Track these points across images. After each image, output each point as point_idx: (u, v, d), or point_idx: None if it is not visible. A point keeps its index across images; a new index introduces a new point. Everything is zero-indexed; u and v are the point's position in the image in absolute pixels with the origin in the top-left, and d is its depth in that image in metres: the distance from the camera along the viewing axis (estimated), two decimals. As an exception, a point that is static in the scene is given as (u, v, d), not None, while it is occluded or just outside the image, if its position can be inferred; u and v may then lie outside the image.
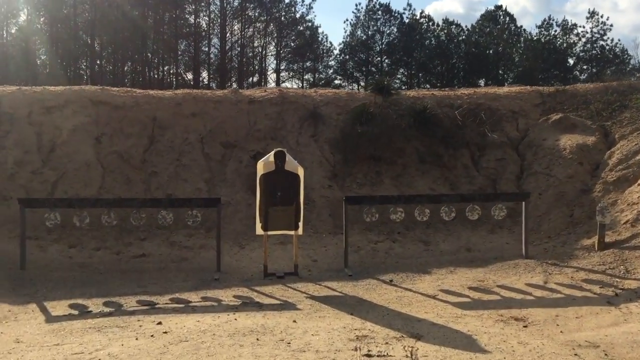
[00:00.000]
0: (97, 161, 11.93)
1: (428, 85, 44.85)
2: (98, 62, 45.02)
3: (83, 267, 9.56)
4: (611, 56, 48.55)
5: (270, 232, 9.00)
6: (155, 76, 46.24)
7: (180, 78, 47.20)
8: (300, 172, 8.92)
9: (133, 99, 13.25)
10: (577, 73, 49.20)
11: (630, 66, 46.54)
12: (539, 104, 14.27)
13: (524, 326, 6.40)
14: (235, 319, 6.59)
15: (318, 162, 12.59)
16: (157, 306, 7.34)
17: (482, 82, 47.50)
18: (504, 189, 12.11)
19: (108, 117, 12.73)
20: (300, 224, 8.98)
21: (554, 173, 11.90)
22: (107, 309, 7.20)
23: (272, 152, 8.86)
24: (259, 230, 8.93)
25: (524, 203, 9.51)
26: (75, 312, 7.09)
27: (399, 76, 50.44)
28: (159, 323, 6.45)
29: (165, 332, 6.07)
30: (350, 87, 47.91)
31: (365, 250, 10.40)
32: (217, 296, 7.83)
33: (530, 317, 6.74)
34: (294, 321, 6.49)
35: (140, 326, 6.35)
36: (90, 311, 7.13)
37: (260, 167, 8.83)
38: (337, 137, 13.16)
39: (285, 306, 7.29)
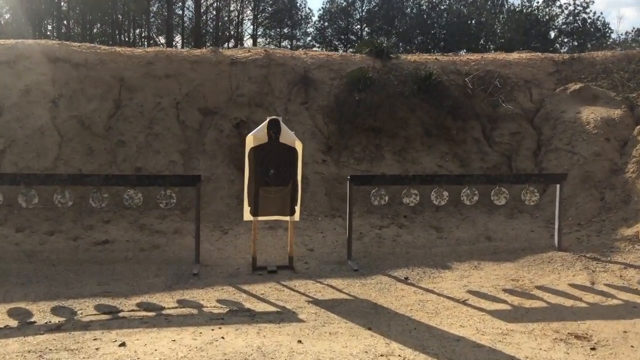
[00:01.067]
0: (53, 127, 10.16)
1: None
2: (65, 22, 42.30)
3: (32, 256, 7.91)
4: (592, 29, 47.43)
5: (261, 218, 7.45)
6: (126, 39, 43.71)
7: (152, 42, 44.75)
8: (299, 146, 7.36)
9: (97, 57, 11.42)
10: (558, 46, 48.05)
11: (610, 40, 45.53)
12: (553, 72, 12.81)
13: (592, 348, 5.02)
14: (223, 338, 5.08)
15: (310, 133, 11.01)
16: (120, 314, 5.79)
17: (463, 52, 46.01)
18: (522, 167, 10.71)
19: (67, 77, 10.90)
20: (298, 208, 7.45)
21: (578, 150, 10.51)
22: (55, 319, 5.62)
23: (265, 122, 7.26)
24: (247, 216, 7.37)
25: (558, 186, 8.10)
26: (14, 324, 5.50)
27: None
28: (122, 344, 4.90)
29: (130, 361, 4.53)
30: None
31: (369, 237, 8.93)
32: (198, 299, 6.30)
33: (593, 333, 5.37)
34: (299, 341, 5.01)
35: (96, 350, 4.79)
36: (34, 322, 5.54)
37: (250, 140, 7.24)
38: (332, 105, 11.57)
39: (284, 316, 5.80)
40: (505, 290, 6.68)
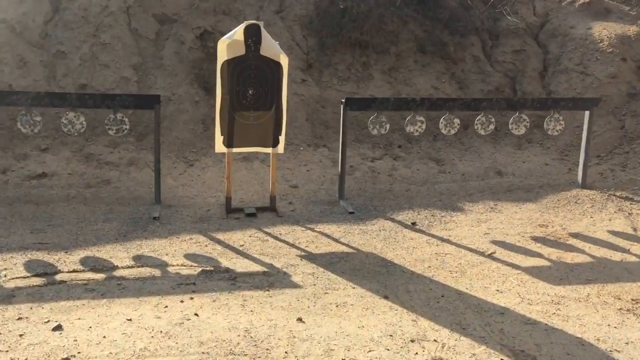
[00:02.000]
0: (-25, 34, 8.33)
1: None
2: None
3: (-53, 194, 6.38)
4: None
5: (237, 150, 6.03)
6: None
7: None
8: (284, 60, 5.87)
9: (28, -51, 9.40)
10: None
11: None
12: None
13: (671, 323, 3.93)
14: (196, 314, 3.79)
15: (287, 47, 9.39)
16: (58, 277, 4.42)
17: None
18: (528, 90, 9.45)
19: (-9, -28, 8.94)
20: (282, 138, 6.05)
21: (591, 71, 9.28)
22: (-32, 286, 4.22)
23: (241, 27, 5.71)
24: (220, 147, 5.94)
25: (587, 113, 6.88)
26: None
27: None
28: (57, 327, 3.56)
29: None
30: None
31: (361, 171, 7.63)
32: (160, 254, 4.96)
33: (663, 300, 4.28)
34: (300, 319, 3.76)
35: (20, 337, 3.44)
36: (-63, 290, 4.14)
37: (223, 49, 5.70)
38: (311, 14, 9.94)
39: (274, 279, 4.53)
40: (535, 240, 5.55)
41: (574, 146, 8.25)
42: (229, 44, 5.66)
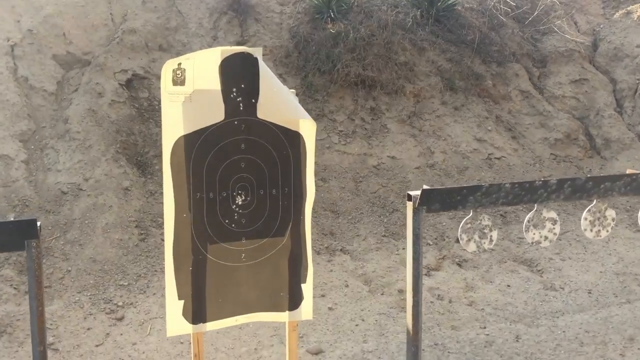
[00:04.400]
0: None
1: None
2: None
3: None
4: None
5: (213, 326, 2.79)
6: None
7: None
8: (307, 129, 2.73)
9: None
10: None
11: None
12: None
13: None
14: None
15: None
16: None
17: None
18: (611, 133, 6.66)
19: None
20: (307, 290, 2.85)
21: (691, 104, 6.59)
22: None
23: (211, 57, 2.55)
24: (178, 326, 2.68)
25: None
26: None
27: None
28: None
29: None
30: None
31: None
32: None
33: None
34: None
35: None
36: None
37: (174, 112, 2.53)
38: (287, 45, 6.96)
39: None
40: None
41: None
42: (188, 100, 2.51)
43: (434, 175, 6.00)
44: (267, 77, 2.59)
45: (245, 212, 2.67)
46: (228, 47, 2.57)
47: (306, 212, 2.79)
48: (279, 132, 2.68)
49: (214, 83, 2.55)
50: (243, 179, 2.65)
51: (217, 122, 2.57)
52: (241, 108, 2.59)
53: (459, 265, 4.84)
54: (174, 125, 2.54)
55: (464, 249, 3.60)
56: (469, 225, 3.44)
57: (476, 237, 3.45)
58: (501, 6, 7.75)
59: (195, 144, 2.56)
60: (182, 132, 2.54)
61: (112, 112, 5.73)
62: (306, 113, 2.70)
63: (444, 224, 5.42)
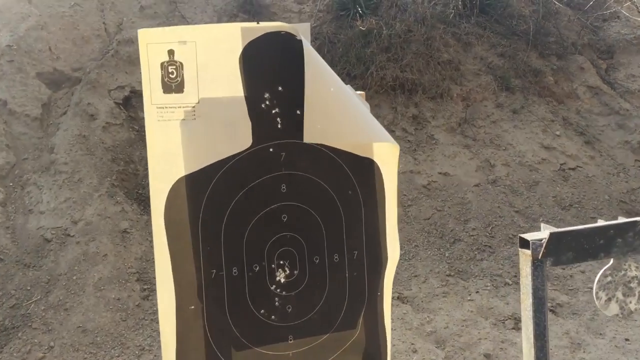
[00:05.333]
0: None
1: None
2: None
3: None
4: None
5: None
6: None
7: None
8: (387, 155, 1.69)
9: None
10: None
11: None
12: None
13: None
14: None
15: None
16: None
17: None
18: None
19: None
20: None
21: None
22: None
23: (234, 32, 1.52)
24: None
25: None
26: None
27: None
28: None
29: None
30: None
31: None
32: None
33: None
34: None
35: None
36: None
37: (169, 133, 1.50)
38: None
39: None
40: None
41: None
42: (190, 117, 1.48)
43: (498, 194, 4.92)
44: (319, 73, 1.56)
45: (292, 295, 1.64)
46: (252, 24, 1.53)
47: (385, 285, 1.75)
48: (341, 162, 1.64)
49: (233, 86, 1.52)
50: (286, 241, 1.62)
51: (240, 151, 1.54)
52: (279, 126, 1.56)
53: (553, 311, 3.75)
54: (169, 159, 1.52)
55: (604, 313, 2.51)
56: (609, 279, 2.36)
57: (619, 294, 2.38)
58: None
59: (206, 190, 1.54)
60: (182, 172, 1.52)
61: (106, 136, 4.74)
62: (384, 131, 1.66)
63: (522, 255, 4.34)
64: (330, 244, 1.65)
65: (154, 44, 1.48)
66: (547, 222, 4.75)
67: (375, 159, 1.68)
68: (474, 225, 4.59)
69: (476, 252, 4.33)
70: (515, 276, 4.15)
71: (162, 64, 1.49)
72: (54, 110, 5.12)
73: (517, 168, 5.17)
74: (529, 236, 2.24)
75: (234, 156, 1.55)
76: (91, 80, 5.18)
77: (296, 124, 1.58)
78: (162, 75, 1.50)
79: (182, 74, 1.50)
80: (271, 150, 1.57)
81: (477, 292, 3.91)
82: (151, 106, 1.51)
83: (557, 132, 5.47)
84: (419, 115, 5.53)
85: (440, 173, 5.11)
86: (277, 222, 1.60)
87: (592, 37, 6.50)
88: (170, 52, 1.49)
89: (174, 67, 1.49)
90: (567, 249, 2.23)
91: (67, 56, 5.49)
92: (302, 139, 1.57)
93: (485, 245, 4.39)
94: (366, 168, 1.68)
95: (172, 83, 1.50)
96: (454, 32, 6.05)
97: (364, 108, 1.63)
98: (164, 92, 1.50)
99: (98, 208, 4.19)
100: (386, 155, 1.68)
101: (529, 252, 2.19)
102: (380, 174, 1.70)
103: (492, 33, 6.13)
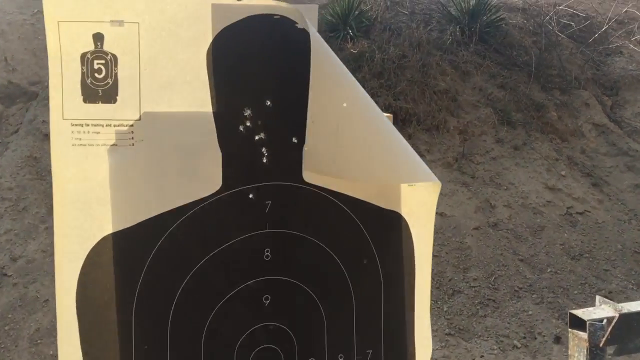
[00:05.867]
0: None
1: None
2: None
3: None
4: None
5: None
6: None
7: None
8: (420, 201, 1.15)
9: None
10: None
11: None
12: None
13: None
14: None
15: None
16: None
17: None
18: None
19: None
20: None
21: None
22: None
23: (201, 11, 0.98)
24: None
25: None
26: None
27: None
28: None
29: None
30: None
31: None
32: None
33: None
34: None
35: None
36: None
37: (89, 165, 0.94)
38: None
39: None
40: None
41: None
42: (125, 143, 0.91)
43: (500, 239, 4.42)
44: (331, 79, 1.02)
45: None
46: (230, 1, 0.99)
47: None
48: (354, 216, 1.09)
49: (196, 95, 0.98)
50: (268, 335, 1.06)
51: (202, 197, 0.99)
52: (264, 159, 1.01)
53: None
54: (87, 208, 0.96)
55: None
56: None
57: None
58: (553, 23, 6.33)
59: (147, 257, 0.98)
60: (108, 228, 0.96)
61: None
62: (423, 167, 1.12)
63: (531, 312, 3.82)
64: (333, 341, 1.10)
65: (69, 22, 0.93)
66: (556, 273, 4.25)
67: (405, 214, 1.14)
68: (475, 275, 4.06)
69: (478, 307, 3.80)
70: (525, 337, 3.62)
71: (82, 56, 0.95)
72: (4, 128, 4.53)
73: (520, 210, 4.68)
74: (584, 314, 1.70)
75: (192, 204, 1.00)
76: (49, 96, 4.59)
77: (290, 158, 1.04)
78: (82, 73, 0.95)
79: (115, 74, 0.95)
80: (251, 196, 1.03)
81: (482, 356, 3.37)
82: (62, 122, 0.96)
83: (562, 172, 5.02)
84: (413, 148, 5.03)
85: (436, 213, 4.58)
86: (255, 307, 1.05)
87: (595, 72, 6.12)
88: (98, 38, 0.94)
89: (103, 61, 0.95)
90: (636, 333, 1.70)
91: (24, 68, 4.92)
92: (298, 180, 1.03)
93: (489, 299, 3.87)
94: (391, 227, 1.13)
95: (99, 87, 0.95)
96: (452, 59, 5.61)
97: (392, 133, 1.09)
98: (85, 100, 0.96)
99: (43, 243, 3.58)
100: (421, 206, 1.14)
101: (584, 336, 1.65)
102: (410, 236, 1.16)
103: (491, 62, 5.70)
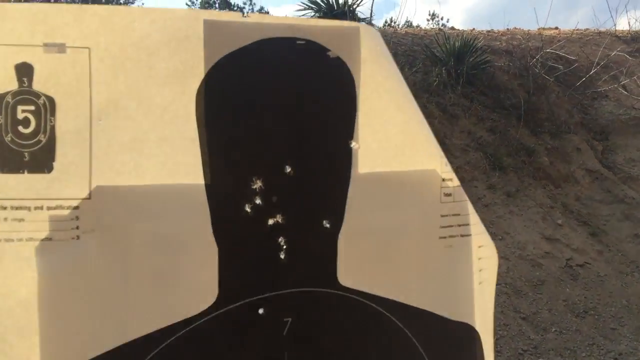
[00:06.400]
0: None
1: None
2: None
3: None
4: None
5: None
6: None
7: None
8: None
9: None
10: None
11: None
12: (631, 51, 7.35)
13: None
14: None
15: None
16: None
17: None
18: None
19: None
20: None
21: None
22: None
23: (189, 31, 0.65)
24: None
25: None
26: None
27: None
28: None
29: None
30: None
31: None
32: None
33: None
34: None
35: None
36: None
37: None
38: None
39: None
40: None
41: None
42: (69, 235, 0.54)
43: (499, 294, 4.09)
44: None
45: None
46: (232, 15, 0.65)
47: None
48: (410, 334, 0.73)
49: (178, 159, 0.61)
50: None
51: (189, 316, 0.61)
52: (281, 255, 0.64)
53: None
54: (9, 336, 0.58)
55: None
56: None
57: None
58: (539, 65, 6.18)
59: None
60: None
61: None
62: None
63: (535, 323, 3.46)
64: None
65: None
66: (562, 333, 3.92)
67: (478, 324, 0.78)
68: (475, 336, 3.70)
69: (482, 373, 3.42)
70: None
71: (1, 98, 0.59)
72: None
73: (517, 262, 4.38)
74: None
75: (173, 329, 0.63)
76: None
77: (321, 251, 0.68)
78: (1, 125, 0.59)
79: (52, 127, 0.60)
80: (261, 312, 0.66)
81: None
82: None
83: (559, 221, 4.74)
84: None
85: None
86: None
87: (584, 116, 5.95)
88: (23, 71, 0.59)
89: (32, 108, 0.60)
90: None
91: None
92: (332, 284, 0.67)
93: (492, 364, 3.49)
94: (460, 345, 0.78)
95: (24, 149, 0.60)
96: (439, 102, 5.37)
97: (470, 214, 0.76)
98: (2, 169, 0.60)
99: None
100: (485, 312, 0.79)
101: None
102: (483, 356, 0.80)
103: (479, 105, 5.48)
